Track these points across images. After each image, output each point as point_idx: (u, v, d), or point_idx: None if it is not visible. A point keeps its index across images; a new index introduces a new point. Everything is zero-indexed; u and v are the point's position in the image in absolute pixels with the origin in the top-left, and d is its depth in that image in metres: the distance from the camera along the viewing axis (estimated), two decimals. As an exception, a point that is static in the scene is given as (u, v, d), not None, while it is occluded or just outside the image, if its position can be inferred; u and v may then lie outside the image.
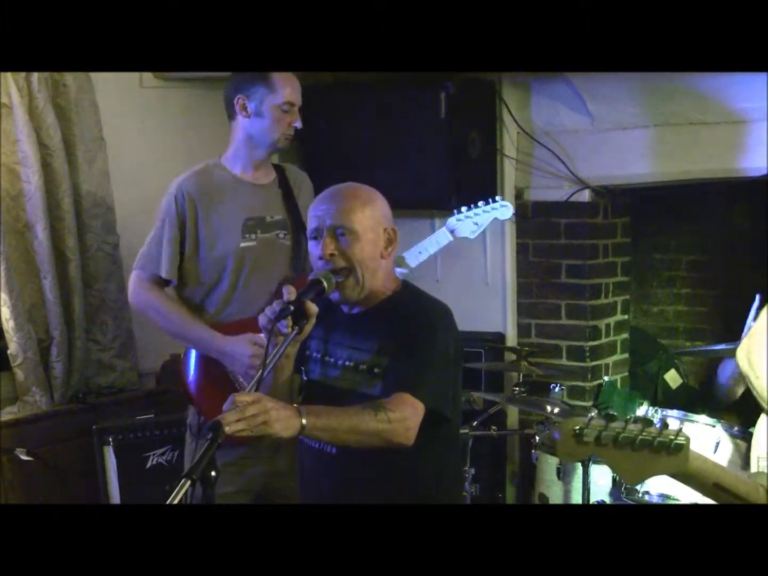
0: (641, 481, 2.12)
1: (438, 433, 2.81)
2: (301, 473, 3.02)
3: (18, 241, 4.16)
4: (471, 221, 4.00)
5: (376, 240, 2.84)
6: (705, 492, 2.18)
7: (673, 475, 2.10)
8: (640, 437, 2.01)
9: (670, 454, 2.02)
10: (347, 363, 2.87)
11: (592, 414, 2.07)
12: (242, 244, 3.66)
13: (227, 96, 3.68)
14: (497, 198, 4.01)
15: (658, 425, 2.03)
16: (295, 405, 2.59)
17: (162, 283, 3.70)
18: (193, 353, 3.69)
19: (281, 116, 3.64)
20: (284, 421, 2.50)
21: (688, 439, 2.03)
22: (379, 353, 2.81)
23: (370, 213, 2.83)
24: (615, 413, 2.07)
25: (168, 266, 3.65)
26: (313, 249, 2.84)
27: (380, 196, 2.91)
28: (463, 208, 4.01)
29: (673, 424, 2.06)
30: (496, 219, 4.04)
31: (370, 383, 2.80)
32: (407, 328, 2.79)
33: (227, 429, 2.40)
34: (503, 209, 4.02)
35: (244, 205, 3.69)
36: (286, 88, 3.62)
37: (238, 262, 3.65)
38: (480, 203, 4.03)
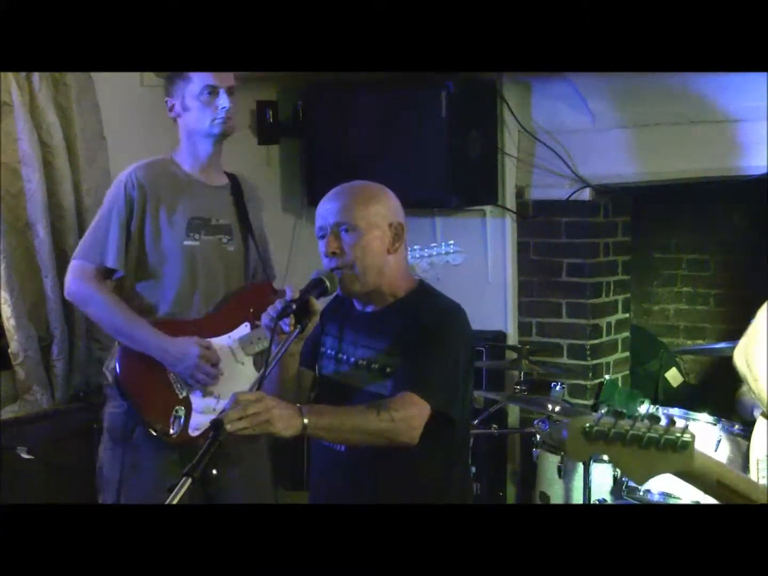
0: (647, 479, 2.11)
1: (445, 435, 2.81)
2: (312, 471, 3.03)
3: (19, 240, 4.15)
4: (426, 261, 3.92)
5: (382, 236, 2.82)
6: (707, 490, 2.17)
7: (678, 473, 2.10)
8: (648, 434, 2.01)
9: (676, 452, 2.02)
10: (360, 361, 2.87)
11: (602, 411, 2.07)
12: (186, 242, 3.62)
13: None
14: (450, 243, 3.90)
15: (665, 422, 2.03)
16: (297, 405, 2.59)
17: (105, 274, 3.62)
18: (128, 351, 3.60)
19: (205, 101, 3.58)
20: (286, 419, 2.51)
21: (693, 436, 2.03)
22: (391, 353, 2.80)
23: (374, 209, 2.82)
24: (624, 410, 2.06)
25: (115, 255, 3.57)
26: (320, 247, 2.85)
27: (387, 192, 2.90)
28: (416, 247, 3.91)
29: (680, 422, 2.06)
30: (448, 262, 3.96)
31: (382, 383, 2.80)
32: (419, 329, 2.79)
33: (229, 427, 2.41)
34: (455, 255, 3.90)
35: (192, 203, 3.64)
36: (200, 74, 3.56)
37: (179, 259, 3.61)
38: (433, 245, 3.90)
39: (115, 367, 3.60)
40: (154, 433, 3.55)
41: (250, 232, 3.74)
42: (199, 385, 3.56)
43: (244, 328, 3.66)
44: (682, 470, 2.08)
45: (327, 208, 2.83)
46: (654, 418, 2.03)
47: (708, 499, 2.20)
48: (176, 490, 2.27)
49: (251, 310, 3.67)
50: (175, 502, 2.26)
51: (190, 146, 3.67)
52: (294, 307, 2.68)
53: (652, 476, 2.10)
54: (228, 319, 3.67)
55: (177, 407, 3.56)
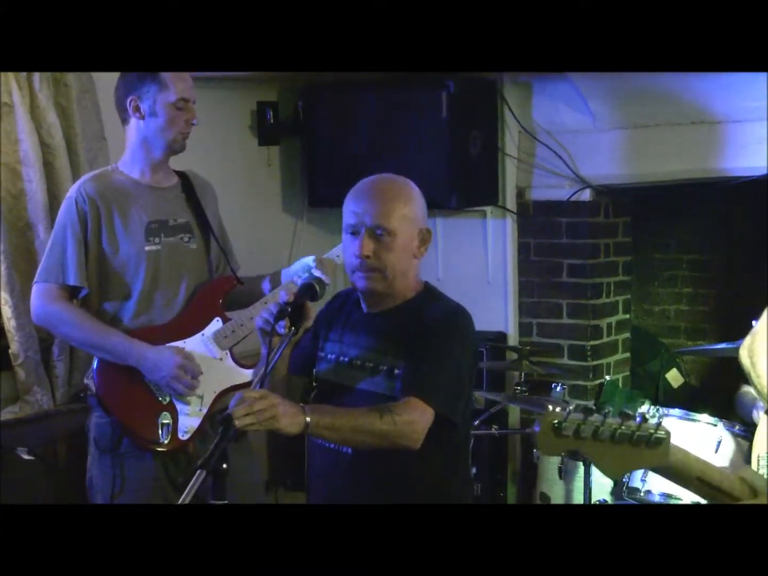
0: (622, 474, 2.15)
1: (446, 438, 2.82)
2: (312, 472, 3.03)
3: (19, 240, 4.15)
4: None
5: (411, 240, 2.84)
6: (688, 486, 2.20)
7: (655, 469, 2.12)
8: (620, 431, 2.03)
9: (651, 448, 2.04)
10: (367, 364, 2.87)
11: (570, 407, 2.08)
12: (147, 248, 3.56)
13: (119, 98, 3.60)
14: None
15: (638, 419, 2.05)
16: (300, 404, 2.63)
17: (69, 292, 3.56)
18: (104, 364, 3.57)
19: (176, 114, 3.53)
20: (291, 416, 2.55)
21: (668, 433, 2.05)
22: (397, 355, 2.81)
23: (408, 213, 2.83)
24: (593, 407, 2.08)
25: (76, 273, 3.51)
26: (349, 244, 2.84)
27: (418, 194, 2.91)
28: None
29: (653, 419, 2.08)
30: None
31: (389, 385, 2.81)
32: (425, 332, 2.80)
33: (237, 423, 2.45)
34: None
35: (147, 208, 3.59)
36: (178, 84, 3.52)
37: (143, 266, 3.56)
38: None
39: (94, 381, 3.59)
40: (146, 445, 3.54)
41: (209, 226, 3.72)
42: (177, 394, 3.53)
43: (216, 323, 3.63)
44: (658, 466, 2.09)
45: (364, 207, 2.82)
46: (625, 416, 2.05)
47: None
48: (191, 483, 2.31)
49: (220, 305, 3.67)
50: (190, 496, 2.29)
51: (143, 151, 3.60)
52: (290, 309, 2.71)
53: (627, 472, 2.13)
54: (198, 317, 3.64)
55: (162, 413, 3.55)
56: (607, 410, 2.07)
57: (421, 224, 2.87)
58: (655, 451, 2.04)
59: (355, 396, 2.84)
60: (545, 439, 2.06)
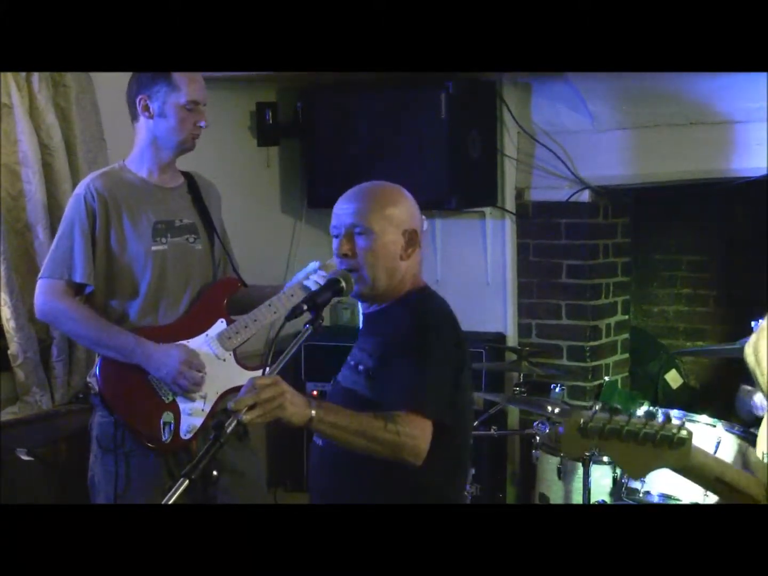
0: (644, 474, 2.14)
1: (440, 442, 2.76)
2: (309, 470, 3.03)
3: (18, 241, 4.15)
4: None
5: (395, 242, 2.83)
6: (706, 486, 2.20)
7: (675, 469, 2.12)
8: (644, 430, 2.03)
9: (673, 448, 2.04)
10: (351, 362, 2.89)
11: (596, 407, 2.08)
12: (154, 248, 3.56)
13: (129, 96, 3.57)
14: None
15: (661, 419, 2.05)
16: (307, 398, 2.61)
17: (75, 289, 3.55)
18: (107, 363, 3.56)
19: (186, 116, 3.52)
20: (297, 406, 2.54)
21: (690, 433, 2.05)
22: (372, 354, 2.82)
23: (389, 213, 2.82)
24: (619, 406, 2.08)
25: (83, 269, 3.51)
26: (334, 246, 2.86)
27: (406, 197, 2.89)
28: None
29: (676, 419, 2.08)
30: None
31: (364, 383, 2.81)
32: (403, 333, 2.78)
33: (244, 418, 2.42)
34: None
35: (154, 207, 3.59)
36: (189, 86, 3.51)
37: (149, 265, 3.56)
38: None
39: (97, 380, 3.58)
40: (148, 444, 3.53)
41: (213, 228, 3.72)
42: (182, 390, 3.53)
43: (220, 324, 3.63)
44: (679, 466, 2.09)
45: (344, 208, 2.83)
46: (650, 415, 2.05)
47: (707, 500, 2.22)
48: (173, 490, 2.28)
49: (224, 306, 3.67)
50: (170, 502, 2.26)
51: (151, 151, 3.59)
52: (305, 307, 2.70)
53: (649, 471, 2.12)
54: (202, 318, 3.64)
55: (165, 413, 3.55)
56: (632, 410, 2.07)
57: (405, 225, 2.84)
58: (677, 451, 2.04)
59: (346, 395, 2.84)
60: (570, 439, 2.06)
